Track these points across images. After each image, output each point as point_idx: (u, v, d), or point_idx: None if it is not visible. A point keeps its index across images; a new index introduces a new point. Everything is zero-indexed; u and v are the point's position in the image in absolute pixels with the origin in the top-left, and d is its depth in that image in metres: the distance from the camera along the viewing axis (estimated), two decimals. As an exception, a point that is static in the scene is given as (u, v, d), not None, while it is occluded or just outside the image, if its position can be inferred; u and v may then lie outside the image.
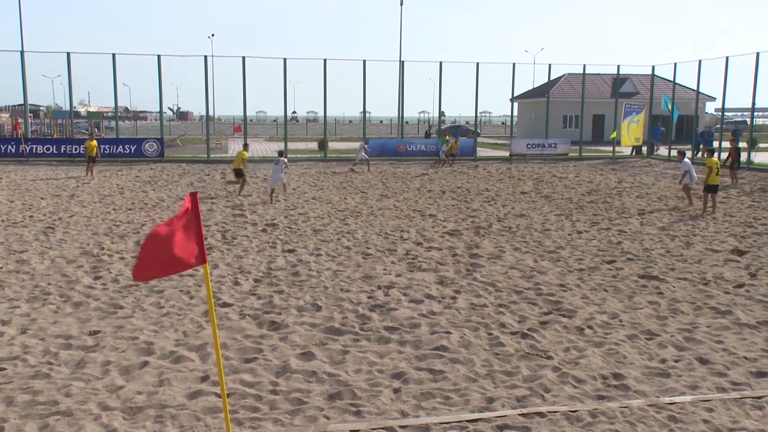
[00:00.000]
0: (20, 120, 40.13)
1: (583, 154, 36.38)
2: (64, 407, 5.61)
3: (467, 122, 53.74)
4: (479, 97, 35.67)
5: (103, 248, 11.93)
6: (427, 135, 45.68)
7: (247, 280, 9.87)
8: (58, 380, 6.18)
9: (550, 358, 6.84)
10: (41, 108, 51.20)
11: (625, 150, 38.53)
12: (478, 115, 39.51)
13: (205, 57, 31.97)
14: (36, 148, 30.70)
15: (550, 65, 36.21)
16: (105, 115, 53.78)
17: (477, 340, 7.33)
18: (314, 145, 40.56)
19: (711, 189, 16.59)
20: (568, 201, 18.77)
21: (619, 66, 37.89)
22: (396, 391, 6.04)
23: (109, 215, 15.62)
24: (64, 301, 8.70)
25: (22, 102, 33.28)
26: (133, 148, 31.65)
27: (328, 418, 5.52)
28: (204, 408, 5.64)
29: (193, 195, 4.53)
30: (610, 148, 38.34)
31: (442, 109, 44.14)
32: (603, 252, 11.90)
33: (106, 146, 31.48)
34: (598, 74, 51.10)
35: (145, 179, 23.71)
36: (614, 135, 35.93)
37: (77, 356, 6.79)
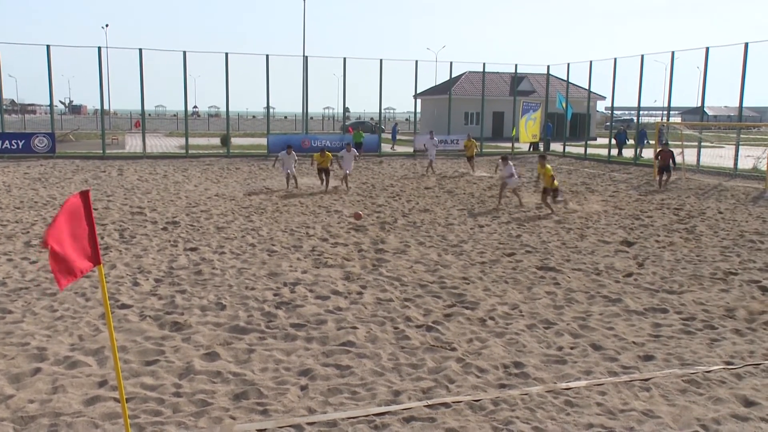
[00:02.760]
0: None
1: (483, 150, 37.40)
2: (-54, 421, 5.25)
3: (371, 118, 54.11)
4: (383, 93, 35.88)
5: (-12, 250, 11.20)
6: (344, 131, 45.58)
7: (147, 280, 9.55)
8: (-61, 392, 5.77)
9: (454, 349, 7.02)
10: None
11: (524, 146, 39.98)
12: (383, 111, 39.83)
13: (99, 48, 30.59)
14: None
15: (451, 63, 37.04)
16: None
17: (383, 335, 7.42)
18: (217, 141, 39.66)
19: (547, 191, 16.34)
20: (470, 196, 19.28)
21: (516, 65, 39.23)
22: (303, 388, 6.02)
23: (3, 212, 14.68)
24: (-55, 308, 8.11)
25: None
26: (21, 143, 29.86)
27: (234, 418, 5.44)
28: (102, 414, 5.42)
29: (84, 193, 4.34)
30: (510, 144, 39.66)
31: (346, 105, 44.18)
32: (503, 245, 12.31)
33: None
34: (498, 73, 52.65)
35: (34, 176, 22.44)
36: (514, 132, 37.21)
37: (-40, 366, 6.35)
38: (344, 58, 34.43)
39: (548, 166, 16.65)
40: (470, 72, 55.05)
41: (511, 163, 17.95)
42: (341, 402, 5.75)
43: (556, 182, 16.41)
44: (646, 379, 6.29)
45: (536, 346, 7.15)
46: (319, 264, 10.63)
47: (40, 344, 6.94)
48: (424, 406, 5.67)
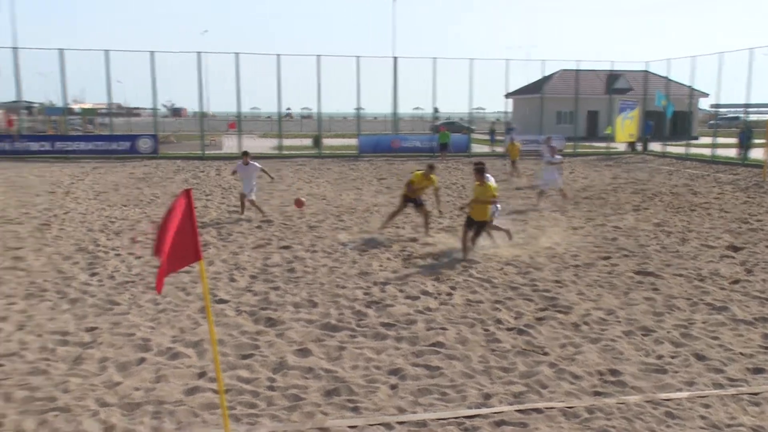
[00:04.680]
0: (13, 117, 39.92)
1: (577, 150, 36.43)
2: (62, 403, 5.60)
3: (461, 118, 53.82)
4: (473, 93, 35.60)
5: (98, 245, 11.90)
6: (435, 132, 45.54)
7: (243, 276, 9.86)
8: (56, 376, 6.17)
9: (546, 354, 6.87)
10: (35, 104, 50.97)
11: (620, 146, 38.64)
12: (472, 111, 39.52)
13: (199, 53, 31.89)
14: (30, 145, 30.57)
15: (543, 62, 36.33)
16: (99, 111, 53.55)
17: (473, 336, 7.35)
18: (309, 142, 40.51)
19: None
20: (563, 197, 18.80)
21: (612, 62, 38.00)
22: (393, 387, 6.05)
23: (104, 212, 15.57)
24: (61, 298, 8.67)
25: (15, 98, 33.12)
26: (127, 145, 31.55)
27: (325, 414, 5.53)
28: (201, 404, 5.64)
29: (187, 192, 4.53)
30: (605, 144, 38.43)
31: (436, 106, 44.13)
32: (598, 248, 11.94)
33: (100, 143, 31.39)
34: (593, 70, 51.10)
35: (139, 176, 23.65)
36: (609, 130, 36.02)
37: (74, 352, 6.77)
38: (434, 59, 34.41)
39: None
40: (564, 70, 53.66)
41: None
42: (431, 403, 5.73)
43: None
44: (756, 393, 5.93)
45: (634, 354, 6.88)
46: (409, 264, 10.65)
47: (144, 335, 7.30)
48: (516, 410, 5.57)
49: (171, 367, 6.45)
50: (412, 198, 13.06)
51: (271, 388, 6.00)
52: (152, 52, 31.11)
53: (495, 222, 11.98)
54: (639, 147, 37.30)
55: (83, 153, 30.89)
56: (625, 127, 34.57)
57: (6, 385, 5.95)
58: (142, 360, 6.60)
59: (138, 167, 26.70)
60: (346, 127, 65.24)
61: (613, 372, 6.39)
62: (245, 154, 15.22)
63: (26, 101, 36.90)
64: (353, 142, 36.37)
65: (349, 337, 7.33)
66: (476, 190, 11.05)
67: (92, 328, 7.51)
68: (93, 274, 9.88)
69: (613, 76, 43.39)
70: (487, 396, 5.86)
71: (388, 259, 10.99)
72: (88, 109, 54.19)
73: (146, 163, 29.00)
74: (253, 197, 14.94)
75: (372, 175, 24.52)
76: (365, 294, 8.97)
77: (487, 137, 43.79)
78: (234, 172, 15.69)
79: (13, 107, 40.00)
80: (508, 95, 41.78)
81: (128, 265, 10.40)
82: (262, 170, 15.05)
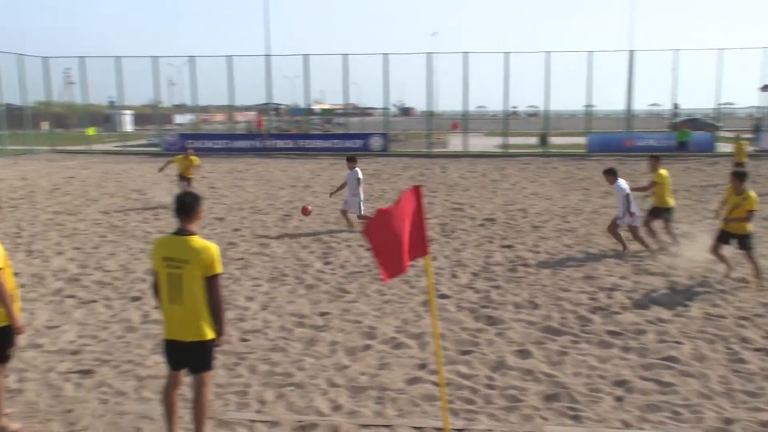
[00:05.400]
0: (263, 118, 44.41)
1: None
2: (297, 380, 6.10)
3: (706, 115, 49.21)
4: (721, 86, 32.36)
5: (332, 236, 12.78)
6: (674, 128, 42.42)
7: (465, 273, 9.97)
8: (293, 354, 6.74)
9: (803, 381, 6.03)
10: (281, 106, 56.27)
11: None
12: (720, 106, 36.00)
13: (428, 54, 32.81)
14: (276, 143, 33.83)
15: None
16: (336, 111, 57.59)
17: (713, 354, 6.68)
18: (534, 140, 39.81)
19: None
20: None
21: None
22: (618, 399, 5.72)
23: (337, 205, 16.68)
24: (299, 283, 9.46)
25: (266, 101, 36.83)
26: (360, 143, 33.53)
27: (544, 419, 5.39)
28: (421, 395, 5.79)
29: (417, 188, 4.65)
30: None
31: (675, 101, 40.86)
32: None
33: (336, 141, 33.73)
34: None
35: (370, 172, 24.98)
36: None
37: (309, 334, 7.34)
38: (675, 51, 31.94)
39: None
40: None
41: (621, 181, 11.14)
42: (661, 420, 5.32)
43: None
44: None
45: None
46: (639, 270, 9.98)
47: (371, 323, 7.69)
48: (763, 441, 4.96)
49: (394, 355, 6.71)
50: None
51: (490, 387, 5.99)
52: (385, 54, 32.67)
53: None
54: None
55: (321, 150, 33.43)
56: None
57: (251, 359, 6.63)
58: (368, 347, 6.96)
59: (369, 164, 28.22)
60: (574, 125, 63.03)
61: None
62: (350, 159, 13.98)
63: (275, 103, 40.82)
64: (581, 140, 34.99)
65: (572, 343, 7.07)
66: (731, 199, 9.33)
67: (324, 313, 8.09)
68: (326, 263, 10.63)
69: None
70: (728, 421, 5.29)
71: (617, 263, 10.40)
72: (327, 109, 58.51)
73: (377, 160, 30.55)
74: (351, 208, 13.49)
75: (601, 176, 23.37)
76: (590, 299, 8.59)
77: (731, 135, 39.62)
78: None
79: (263, 109, 44.50)
80: (765, 88, 37.33)
81: (358, 256, 11.03)
82: (357, 179, 13.51)
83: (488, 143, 40.00)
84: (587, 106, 35.53)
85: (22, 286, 8.90)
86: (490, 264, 10.50)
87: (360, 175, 13.63)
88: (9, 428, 5.10)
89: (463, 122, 36.62)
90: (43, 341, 7.11)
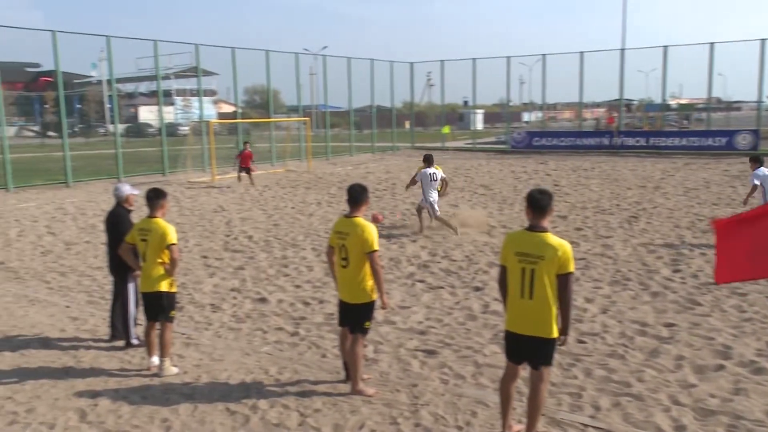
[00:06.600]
0: (614, 114, 42.79)
1: None
2: (635, 391, 5.76)
3: None
4: None
5: (684, 242, 11.78)
6: None
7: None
8: (632, 364, 6.38)
9: None
10: (633, 101, 53.55)
11: None
12: None
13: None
14: (626, 140, 32.31)
15: None
16: (696, 106, 52.73)
17: None
18: None
19: None
20: None
21: None
22: None
23: (692, 209, 15.31)
24: (643, 289, 8.91)
25: (617, 97, 35.39)
26: (723, 141, 30.21)
27: None
28: (785, 432, 5.00)
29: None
30: None
31: None
32: None
33: (694, 138, 30.90)
34: None
35: (734, 173, 22.38)
36: None
37: (651, 345, 6.87)
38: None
39: None
40: None
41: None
42: None
43: None
44: None
45: None
46: None
47: (725, 341, 6.89)
48: None
49: (753, 381, 5.92)
50: None
51: None
52: (763, 40, 28.87)
53: None
54: None
55: (676, 148, 30.93)
56: None
57: (587, 361, 6.46)
58: (721, 367, 6.25)
59: (733, 164, 25.25)
60: None
61: None
62: (426, 159, 12.96)
63: (626, 99, 38.97)
64: None
65: None
66: None
67: (670, 324, 7.48)
68: (676, 271, 9.83)
69: None
70: None
71: None
72: (685, 104, 54.01)
73: (743, 160, 27.20)
74: (426, 208, 12.77)
75: None
76: None
77: None
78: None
79: (614, 105, 42.87)
80: None
81: (713, 266, 9.97)
82: (432, 180, 12.69)
83: None
84: None
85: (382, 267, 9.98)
86: None
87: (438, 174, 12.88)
88: (366, 392, 5.79)
89: None
90: (396, 319, 7.90)
